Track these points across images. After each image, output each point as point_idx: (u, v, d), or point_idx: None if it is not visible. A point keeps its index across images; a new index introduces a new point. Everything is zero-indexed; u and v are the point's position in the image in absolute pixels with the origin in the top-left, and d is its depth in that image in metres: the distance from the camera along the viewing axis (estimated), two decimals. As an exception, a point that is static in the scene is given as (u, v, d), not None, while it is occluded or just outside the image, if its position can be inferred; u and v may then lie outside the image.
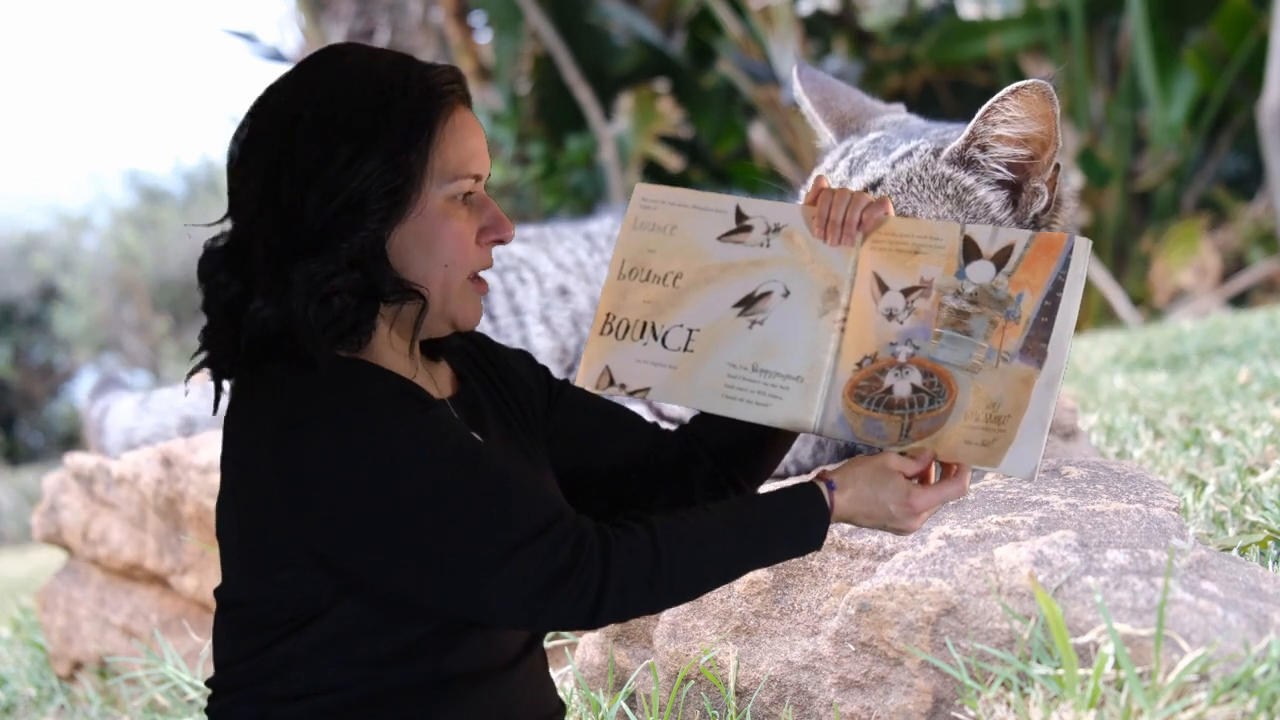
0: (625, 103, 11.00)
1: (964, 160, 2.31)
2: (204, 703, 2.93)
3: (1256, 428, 3.32)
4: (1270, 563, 2.38)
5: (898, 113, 2.59)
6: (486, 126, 10.92)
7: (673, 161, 11.09)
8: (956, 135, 2.38)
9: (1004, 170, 2.29)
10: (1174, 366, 5.04)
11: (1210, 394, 3.99)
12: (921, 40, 11.40)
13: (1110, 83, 11.08)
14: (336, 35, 9.29)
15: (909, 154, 2.36)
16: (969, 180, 2.31)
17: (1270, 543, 2.46)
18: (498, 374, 1.78)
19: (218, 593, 1.64)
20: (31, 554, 10.69)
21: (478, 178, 1.61)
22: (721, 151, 11.94)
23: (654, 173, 11.24)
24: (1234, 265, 10.66)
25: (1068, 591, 1.91)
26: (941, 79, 11.60)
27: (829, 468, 1.67)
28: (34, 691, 3.71)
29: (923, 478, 1.65)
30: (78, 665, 3.67)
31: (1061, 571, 1.93)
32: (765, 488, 1.82)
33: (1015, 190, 2.32)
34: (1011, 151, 2.26)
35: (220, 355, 1.59)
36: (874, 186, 2.34)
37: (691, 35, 11.98)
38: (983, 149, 2.28)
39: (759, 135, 11.37)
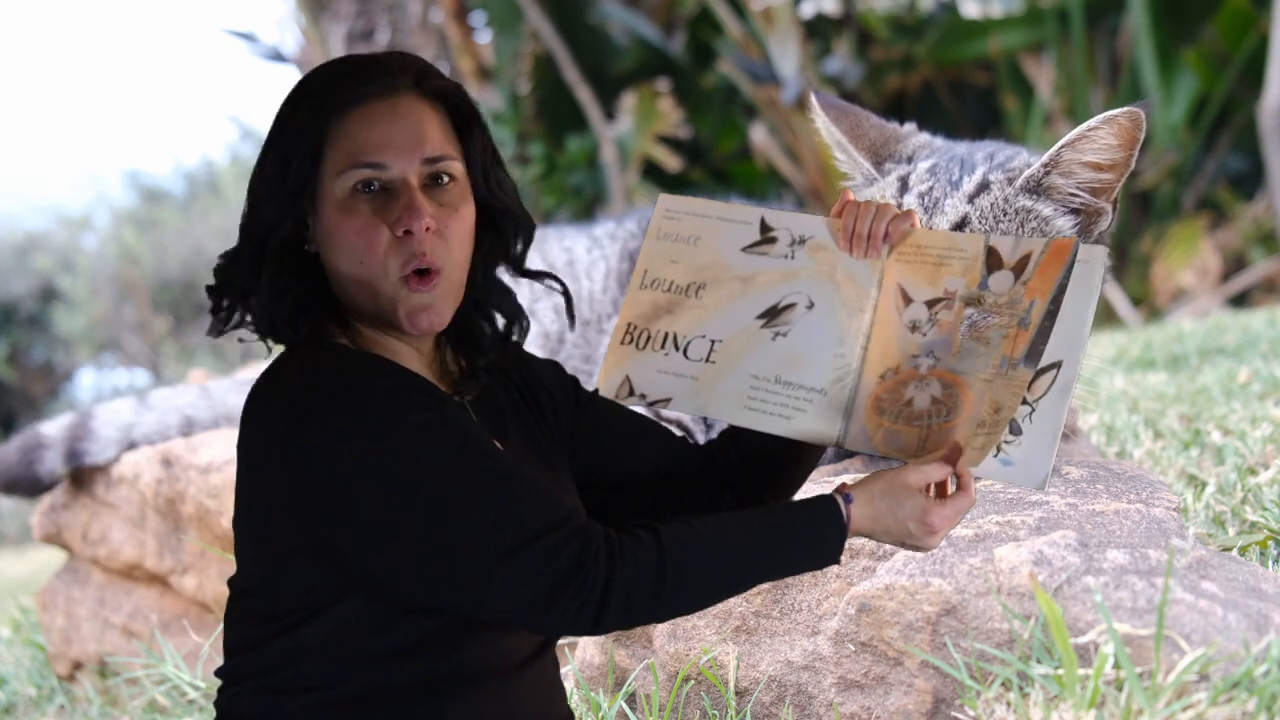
0: (626, 103, 11.00)
1: (1041, 188, 2.33)
2: (204, 703, 2.93)
3: (1256, 428, 3.32)
4: (1270, 563, 2.38)
5: (912, 133, 2.58)
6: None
7: (672, 162, 11.09)
8: (1017, 159, 2.40)
9: (1082, 195, 2.31)
10: (1174, 366, 5.04)
11: (1210, 394, 3.99)
12: (921, 40, 11.40)
13: (1110, 83, 11.07)
14: (336, 35, 9.29)
15: (985, 187, 2.36)
16: (1047, 210, 2.33)
17: (1270, 543, 2.46)
18: (524, 381, 1.78)
19: (230, 581, 1.65)
20: (31, 554, 10.70)
21: (376, 166, 1.57)
22: (721, 151, 11.94)
23: (654, 173, 11.23)
24: (1234, 265, 10.65)
25: (1068, 591, 1.91)
26: (941, 79, 11.59)
27: (848, 480, 1.66)
28: (34, 691, 3.71)
29: (940, 490, 1.64)
30: (78, 665, 3.67)
31: (1061, 571, 1.93)
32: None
33: (1083, 213, 2.33)
34: (1094, 176, 2.29)
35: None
36: (960, 226, 2.33)
37: (692, 35, 11.98)
38: (1065, 175, 2.30)
39: (759, 135, 11.36)
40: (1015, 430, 1.59)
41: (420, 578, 1.51)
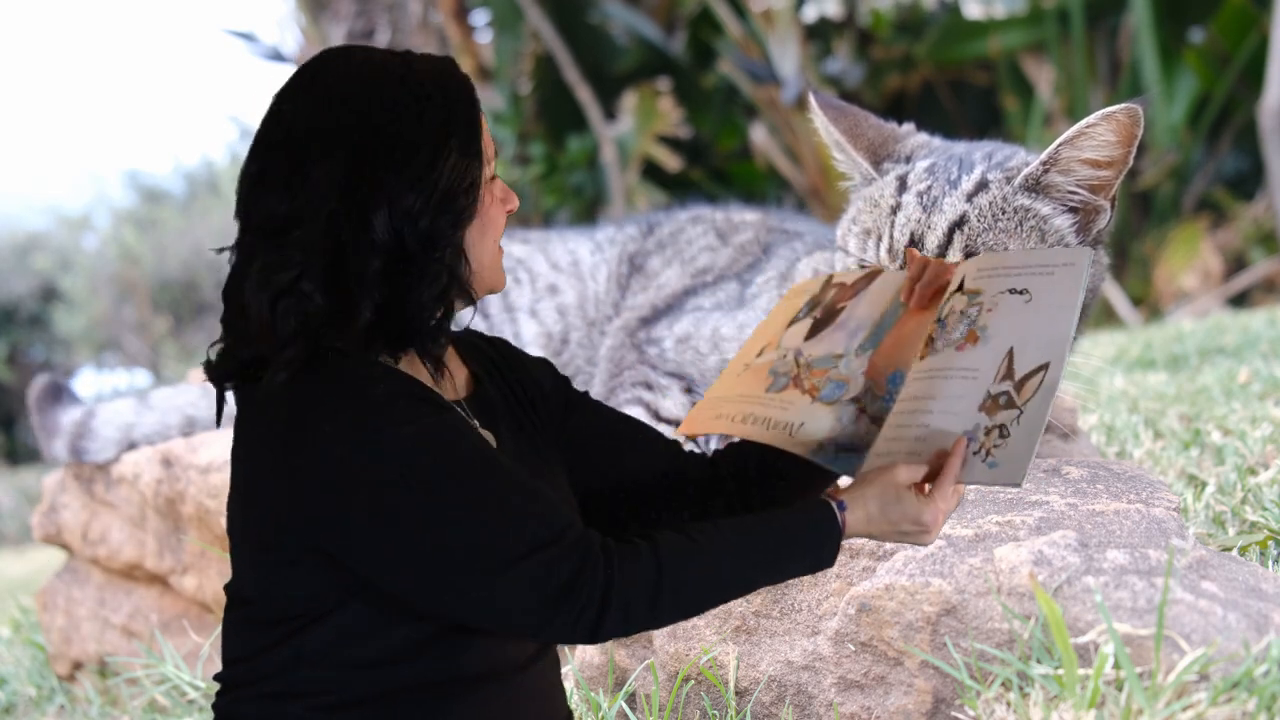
0: (626, 103, 11.00)
1: (1039, 186, 2.33)
2: (204, 703, 2.93)
3: (1256, 428, 3.32)
4: (1270, 563, 2.38)
5: (910, 132, 2.58)
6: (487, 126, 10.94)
7: (673, 161, 11.09)
8: (1015, 158, 2.41)
9: (1081, 192, 2.31)
10: (1174, 366, 5.04)
11: (1210, 394, 3.99)
12: (922, 40, 11.40)
13: (1110, 82, 11.07)
14: (336, 35, 9.28)
15: (983, 185, 2.36)
16: (1045, 209, 2.33)
17: (1270, 543, 2.46)
18: (515, 377, 1.79)
19: (228, 588, 1.65)
20: (31, 554, 10.71)
21: (492, 158, 1.66)
22: (721, 151, 11.94)
23: (654, 173, 11.24)
24: (1234, 265, 10.65)
25: (1068, 591, 1.91)
26: (941, 79, 11.60)
27: (842, 484, 1.67)
28: (34, 691, 3.71)
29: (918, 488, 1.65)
30: (78, 665, 3.67)
31: (1061, 571, 1.93)
32: None
33: (1082, 211, 2.33)
34: (1093, 174, 2.29)
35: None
36: (959, 225, 2.33)
37: (692, 35, 11.98)
38: (1064, 173, 2.30)
39: (759, 135, 11.36)
40: (1004, 434, 1.59)
41: (418, 587, 1.51)
